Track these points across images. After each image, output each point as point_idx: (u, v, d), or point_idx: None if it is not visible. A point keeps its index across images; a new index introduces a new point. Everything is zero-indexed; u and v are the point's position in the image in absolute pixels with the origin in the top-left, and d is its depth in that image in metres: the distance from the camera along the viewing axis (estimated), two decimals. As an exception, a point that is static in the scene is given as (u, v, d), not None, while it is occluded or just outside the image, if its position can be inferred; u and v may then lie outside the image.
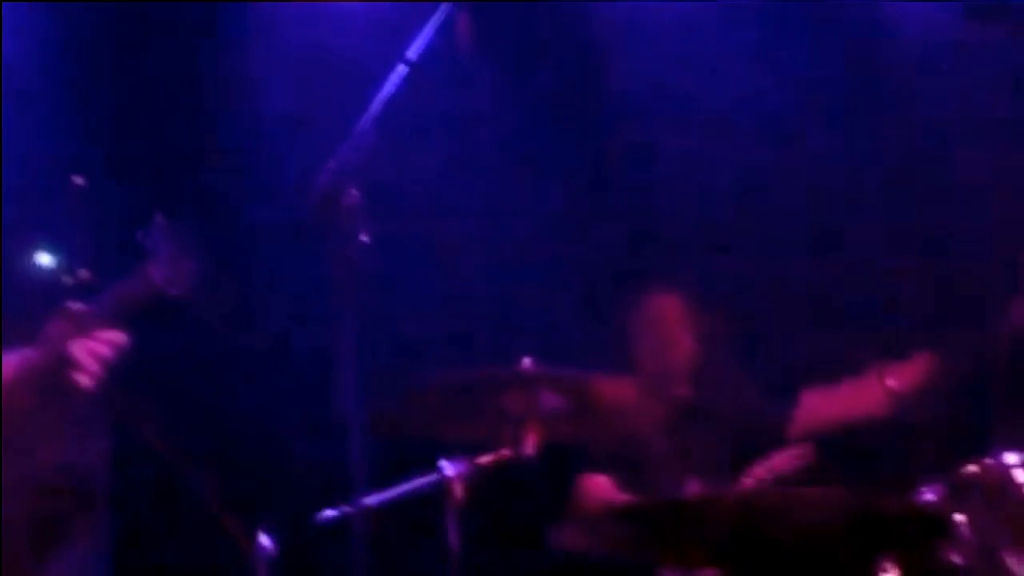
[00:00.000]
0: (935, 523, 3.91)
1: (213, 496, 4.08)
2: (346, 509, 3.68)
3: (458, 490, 3.92)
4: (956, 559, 3.93)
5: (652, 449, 4.76)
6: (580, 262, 5.50)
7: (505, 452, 3.99)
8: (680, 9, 5.45)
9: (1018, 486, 3.95)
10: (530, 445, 3.96)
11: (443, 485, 3.93)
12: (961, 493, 3.96)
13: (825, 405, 4.81)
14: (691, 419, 4.84)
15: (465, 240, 5.43)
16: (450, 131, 5.43)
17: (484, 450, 3.99)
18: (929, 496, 3.96)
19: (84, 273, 3.59)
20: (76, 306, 3.53)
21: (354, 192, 3.57)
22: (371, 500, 3.93)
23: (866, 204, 5.37)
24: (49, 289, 3.62)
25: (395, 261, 4.95)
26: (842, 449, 4.68)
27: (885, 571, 3.97)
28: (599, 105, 5.55)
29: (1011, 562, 3.90)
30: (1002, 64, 5.19)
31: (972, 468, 3.98)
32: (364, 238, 3.56)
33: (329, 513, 3.92)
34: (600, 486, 4.68)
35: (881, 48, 5.35)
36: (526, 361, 3.97)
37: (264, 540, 4.06)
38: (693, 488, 4.42)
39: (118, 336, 3.53)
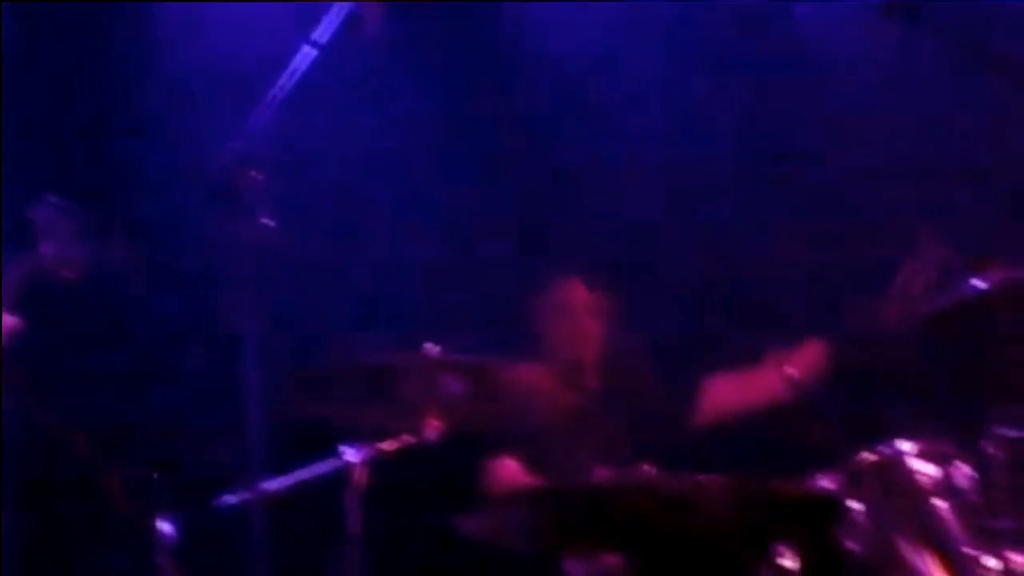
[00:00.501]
0: (831, 510, 3.96)
1: (112, 480, 4.03)
2: (245, 495, 3.66)
3: (359, 476, 3.91)
4: (852, 546, 3.99)
5: (558, 435, 4.77)
6: (487, 250, 5.48)
7: (407, 438, 3.98)
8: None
9: (913, 473, 4.02)
10: (432, 431, 3.95)
11: (344, 471, 3.91)
12: (857, 481, 4.02)
13: (728, 392, 4.85)
14: (597, 406, 4.86)
15: (370, 226, 5.40)
16: (358, 115, 5.40)
17: (386, 436, 3.98)
18: (825, 483, 4.01)
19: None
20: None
21: (255, 174, 3.55)
22: (271, 486, 3.93)
23: (762, 195, 5.42)
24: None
25: (299, 244, 4.94)
26: (740, 436, 4.73)
27: (782, 557, 4.02)
28: (505, 97, 5.54)
29: (906, 549, 3.97)
30: (908, 63, 5.25)
31: (868, 456, 4.05)
32: (267, 220, 3.55)
33: (228, 499, 3.89)
34: (508, 470, 4.68)
35: (783, 45, 5.39)
36: (428, 347, 3.96)
37: (165, 526, 4.03)
38: (598, 475, 4.43)
39: (8, 319, 3.47)
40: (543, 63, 5.46)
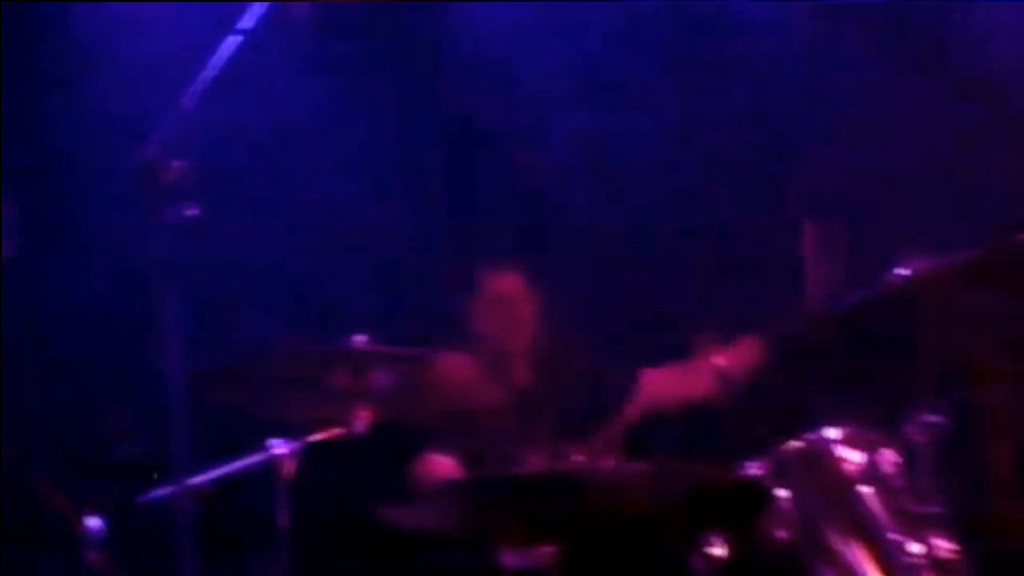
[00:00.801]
0: (758, 497, 3.98)
1: (41, 478, 3.99)
2: (169, 490, 3.62)
3: (287, 468, 3.89)
4: (780, 533, 4.02)
5: (488, 426, 4.76)
6: (419, 240, 5.46)
7: (336, 430, 3.97)
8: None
9: (838, 461, 4.05)
10: (362, 423, 3.94)
11: (272, 463, 3.89)
12: (783, 468, 4.05)
13: (661, 386, 4.86)
14: (528, 397, 4.86)
15: (299, 216, 5.36)
16: (292, 103, 5.36)
17: (315, 428, 3.96)
18: (753, 471, 4.04)
19: None
20: None
21: (178, 164, 3.52)
22: (198, 479, 3.90)
23: (696, 189, 5.44)
24: None
25: (224, 234, 4.90)
26: (670, 427, 4.75)
27: (712, 546, 4.05)
28: (440, 87, 5.53)
29: (832, 536, 4.00)
30: (851, 62, 5.29)
31: (795, 443, 4.08)
32: (190, 211, 3.52)
33: (152, 493, 3.86)
34: (441, 466, 4.67)
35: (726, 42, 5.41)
36: (358, 338, 3.94)
37: (93, 522, 4.00)
38: (527, 464, 4.43)
39: None
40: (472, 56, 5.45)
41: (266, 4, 3.62)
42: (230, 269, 5.12)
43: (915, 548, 3.92)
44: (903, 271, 4.10)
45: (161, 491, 3.81)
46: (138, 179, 3.51)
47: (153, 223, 3.49)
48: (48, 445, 4.56)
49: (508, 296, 4.85)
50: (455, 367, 4.56)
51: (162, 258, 3.49)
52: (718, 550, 4.02)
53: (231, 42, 3.58)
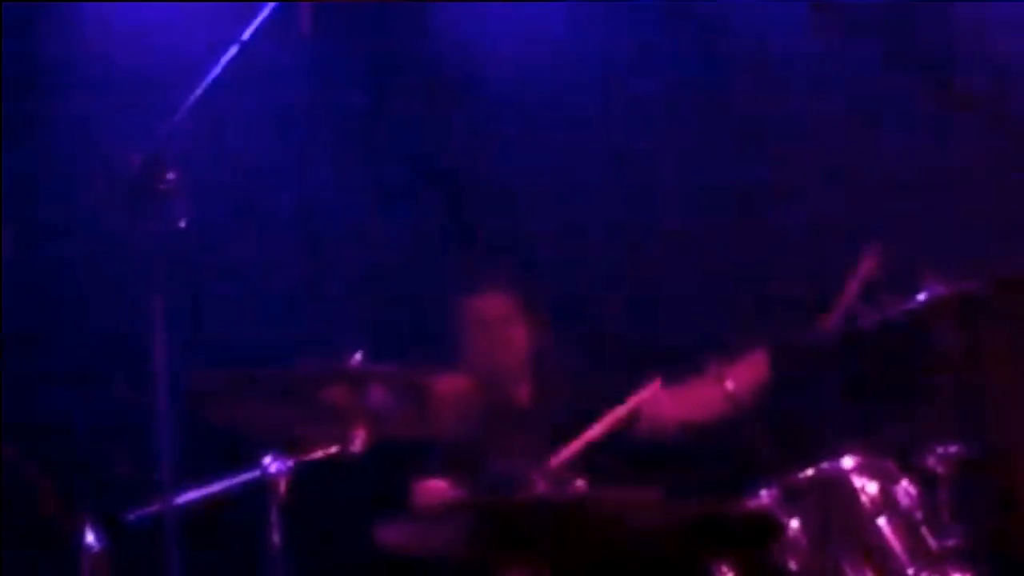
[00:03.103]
0: (769, 528, 3.85)
1: (45, 490, 3.90)
2: (158, 506, 3.51)
3: (282, 487, 3.77)
4: (791, 563, 3.89)
5: (486, 446, 4.64)
6: (414, 259, 5.34)
7: (332, 449, 3.84)
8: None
9: (854, 490, 3.92)
10: (358, 442, 3.81)
11: (266, 482, 3.77)
12: (796, 497, 3.92)
13: (666, 406, 4.72)
14: (526, 417, 4.74)
15: (296, 230, 5.23)
16: (278, 120, 5.24)
17: (310, 447, 3.84)
18: (764, 499, 3.91)
19: None
20: None
21: (171, 176, 3.41)
22: (189, 496, 3.79)
23: (701, 200, 5.31)
24: None
25: (218, 247, 4.79)
26: (677, 451, 4.61)
27: (723, 574, 3.92)
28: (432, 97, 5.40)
29: (847, 568, 3.86)
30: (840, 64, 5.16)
31: (807, 471, 3.94)
32: (182, 223, 3.40)
33: (140, 511, 3.74)
34: (437, 490, 4.55)
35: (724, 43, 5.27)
36: (356, 356, 3.82)
37: (90, 537, 3.90)
38: (529, 489, 4.31)
39: None
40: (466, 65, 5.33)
41: (268, 11, 3.51)
42: (224, 282, 5.01)
43: (932, 582, 3.80)
44: (923, 295, 3.97)
45: (149, 508, 3.69)
46: (131, 188, 3.40)
47: (144, 232, 3.39)
48: (48, 448, 4.45)
49: (497, 318, 4.74)
50: (452, 387, 4.44)
51: (154, 268, 3.39)
52: (728, 578, 3.90)
53: (228, 54, 3.47)
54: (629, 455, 4.56)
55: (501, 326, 4.74)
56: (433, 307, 4.90)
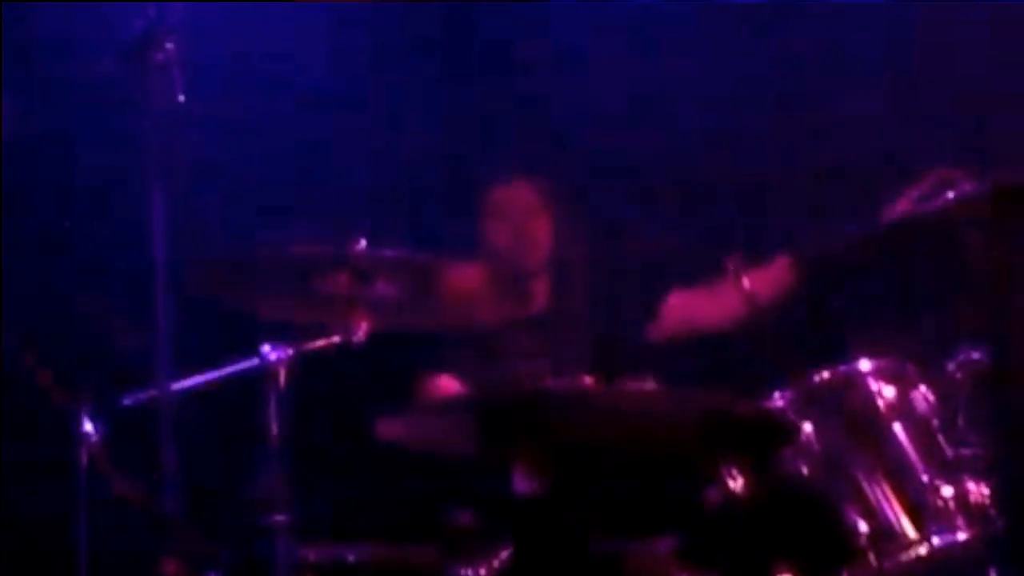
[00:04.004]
0: (782, 430, 3.74)
1: (44, 379, 3.81)
2: (151, 393, 3.43)
3: (281, 376, 3.66)
4: (803, 469, 3.78)
5: (502, 344, 4.53)
6: (427, 140, 5.16)
7: (334, 338, 3.73)
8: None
9: (870, 394, 3.79)
10: (361, 332, 3.71)
11: (265, 370, 3.66)
12: (811, 400, 3.80)
13: (687, 309, 4.60)
14: (544, 317, 4.62)
15: (298, 109, 5.03)
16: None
17: (310, 335, 3.73)
18: (777, 402, 3.79)
19: None
20: None
21: (170, 46, 3.29)
22: (186, 384, 3.70)
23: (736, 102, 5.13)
24: None
25: (218, 124, 4.63)
26: (696, 351, 4.49)
27: (729, 479, 3.81)
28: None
29: (859, 474, 3.75)
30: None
31: (823, 374, 3.82)
32: (180, 98, 3.29)
33: (134, 397, 3.64)
34: (445, 387, 4.45)
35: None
36: (360, 242, 3.69)
37: (88, 426, 3.82)
38: (534, 383, 4.19)
39: None
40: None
41: None
42: (224, 162, 4.85)
43: (946, 491, 3.68)
44: (953, 193, 3.81)
45: (145, 393, 3.60)
46: (128, 58, 3.28)
47: (143, 107, 3.27)
48: (46, 335, 4.35)
49: (519, 211, 4.59)
50: (465, 279, 4.29)
51: (152, 147, 3.28)
52: (735, 483, 3.79)
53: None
54: (645, 360, 4.46)
55: (523, 218, 4.60)
56: (454, 198, 4.75)
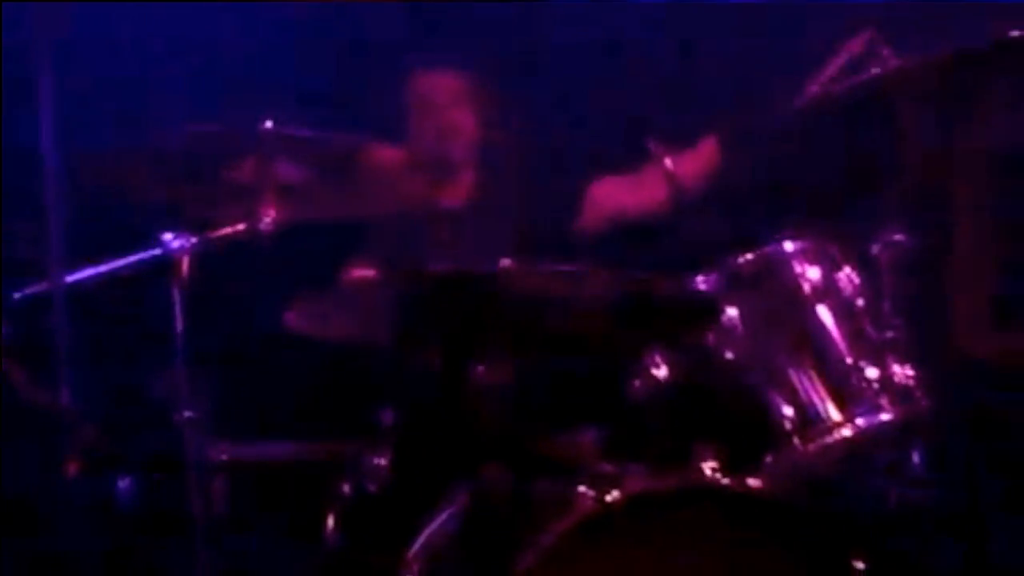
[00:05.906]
0: (705, 312, 3.64)
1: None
2: (46, 286, 3.27)
3: (183, 266, 3.51)
4: (727, 354, 3.68)
5: (423, 236, 4.39)
6: (350, 26, 4.94)
7: (239, 226, 3.58)
8: None
9: (794, 275, 3.69)
10: (268, 220, 3.55)
11: (167, 260, 3.51)
12: (735, 283, 3.69)
13: (611, 196, 4.48)
14: (468, 206, 4.48)
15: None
16: None
17: (215, 223, 3.57)
18: (700, 284, 3.69)
19: None
20: None
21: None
22: (81, 275, 3.54)
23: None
24: None
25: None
26: (619, 234, 4.37)
27: (652, 366, 3.71)
28: None
29: (782, 356, 3.66)
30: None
31: (747, 255, 3.71)
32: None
33: (26, 290, 3.48)
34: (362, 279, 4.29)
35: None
36: (266, 123, 3.52)
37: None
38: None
39: None
40: None
41: None
42: (125, 40, 4.61)
43: (871, 372, 3.60)
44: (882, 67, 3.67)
45: (37, 288, 3.44)
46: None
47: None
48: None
49: (444, 100, 4.43)
50: (386, 160, 4.12)
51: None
52: (659, 371, 3.69)
53: None
54: (570, 250, 4.34)
55: (448, 109, 4.45)
56: (376, 81, 4.54)
